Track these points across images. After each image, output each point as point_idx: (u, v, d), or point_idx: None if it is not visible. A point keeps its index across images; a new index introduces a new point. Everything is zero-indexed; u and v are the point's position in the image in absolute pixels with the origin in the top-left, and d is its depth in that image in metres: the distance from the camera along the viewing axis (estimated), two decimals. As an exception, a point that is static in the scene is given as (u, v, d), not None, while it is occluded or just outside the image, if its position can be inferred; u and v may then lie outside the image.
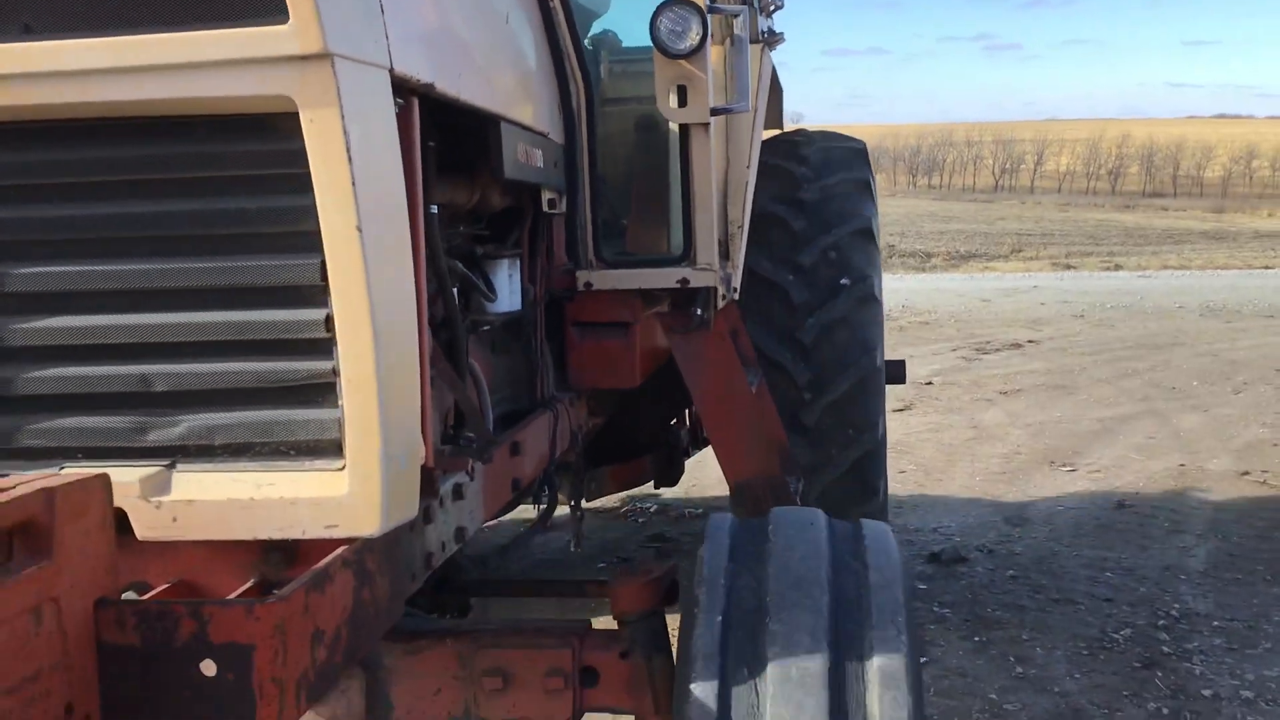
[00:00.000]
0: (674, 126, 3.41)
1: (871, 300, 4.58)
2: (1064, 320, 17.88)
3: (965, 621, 5.48)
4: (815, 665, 2.21)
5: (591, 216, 3.47)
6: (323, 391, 1.96)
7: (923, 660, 4.75)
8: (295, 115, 1.83)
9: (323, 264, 1.88)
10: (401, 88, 2.07)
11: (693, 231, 3.45)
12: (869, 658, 2.25)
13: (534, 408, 3.30)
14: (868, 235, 4.74)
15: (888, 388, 4.91)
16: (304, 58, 1.79)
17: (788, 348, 4.43)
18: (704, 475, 7.48)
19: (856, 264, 4.60)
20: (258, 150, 1.90)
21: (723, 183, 3.86)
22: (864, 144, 5.36)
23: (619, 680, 2.70)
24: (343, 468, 1.94)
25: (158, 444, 2.01)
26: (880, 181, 5.58)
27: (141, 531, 1.97)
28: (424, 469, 2.16)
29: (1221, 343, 14.91)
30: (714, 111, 3.30)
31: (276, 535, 1.97)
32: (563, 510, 4.91)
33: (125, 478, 1.93)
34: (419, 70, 2.13)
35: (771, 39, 4.86)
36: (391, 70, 2.00)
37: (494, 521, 4.09)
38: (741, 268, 3.91)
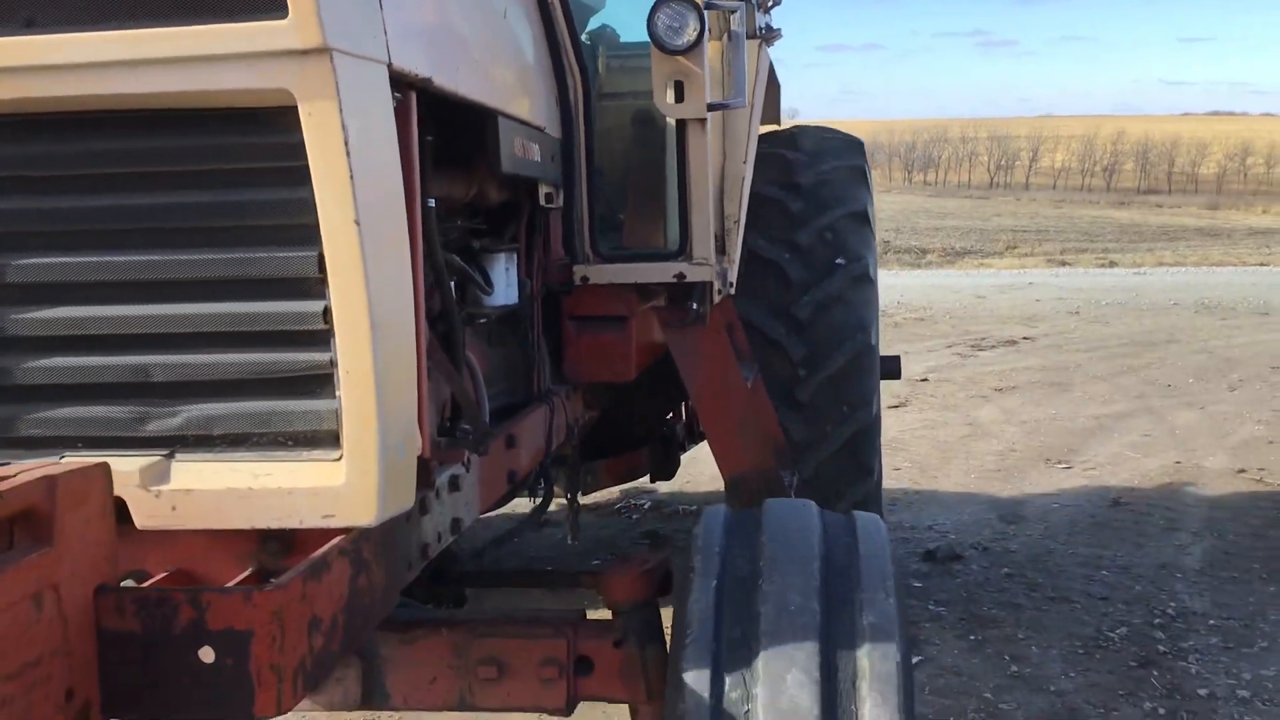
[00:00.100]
0: (671, 122, 3.42)
1: (866, 280, 4.62)
2: (1059, 317, 17.90)
3: (960, 620, 5.46)
4: (807, 620, 2.31)
5: (588, 211, 3.48)
6: (320, 383, 1.98)
7: (917, 659, 4.77)
8: (294, 109, 1.84)
9: (321, 256, 1.90)
10: (399, 82, 2.09)
11: (689, 226, 3.47)
12: (859, 615, 2.34)
13: (530, 401, 3.32)
14: (863, 218, 4.78)
15: (882, 383, 4.94)
16: (303, 52, 1.80)
17: (783, 324, 4.46)
18: (698, 472, 7.48)
19: (852, 245, 4.65)
20: (257, 143, 1.91)
21: (719, 178, 3.88)
22: (860, 139, 5.40)
23: (613, 669, 2.73)
24: (340, 458, 1.96)
25: (157, 434, 2.03)
26: (875, 177, 5.61)
27: (141, 520, 1.99)
28: (420, 460, 2.18)
29: (1217, 340, 14.95)
30: (711, 107, 3.31)
31: (274, 525, 1.99)
32: (559, 504, 4.92)
33: (125, 467, 1.94)
34: (417, 64, 2.15)
35: (769, 35, 4.88)
36: (390, 64, 2.01)
37: (490, 514, 4.10)
38: (738, 263, 3.93)
